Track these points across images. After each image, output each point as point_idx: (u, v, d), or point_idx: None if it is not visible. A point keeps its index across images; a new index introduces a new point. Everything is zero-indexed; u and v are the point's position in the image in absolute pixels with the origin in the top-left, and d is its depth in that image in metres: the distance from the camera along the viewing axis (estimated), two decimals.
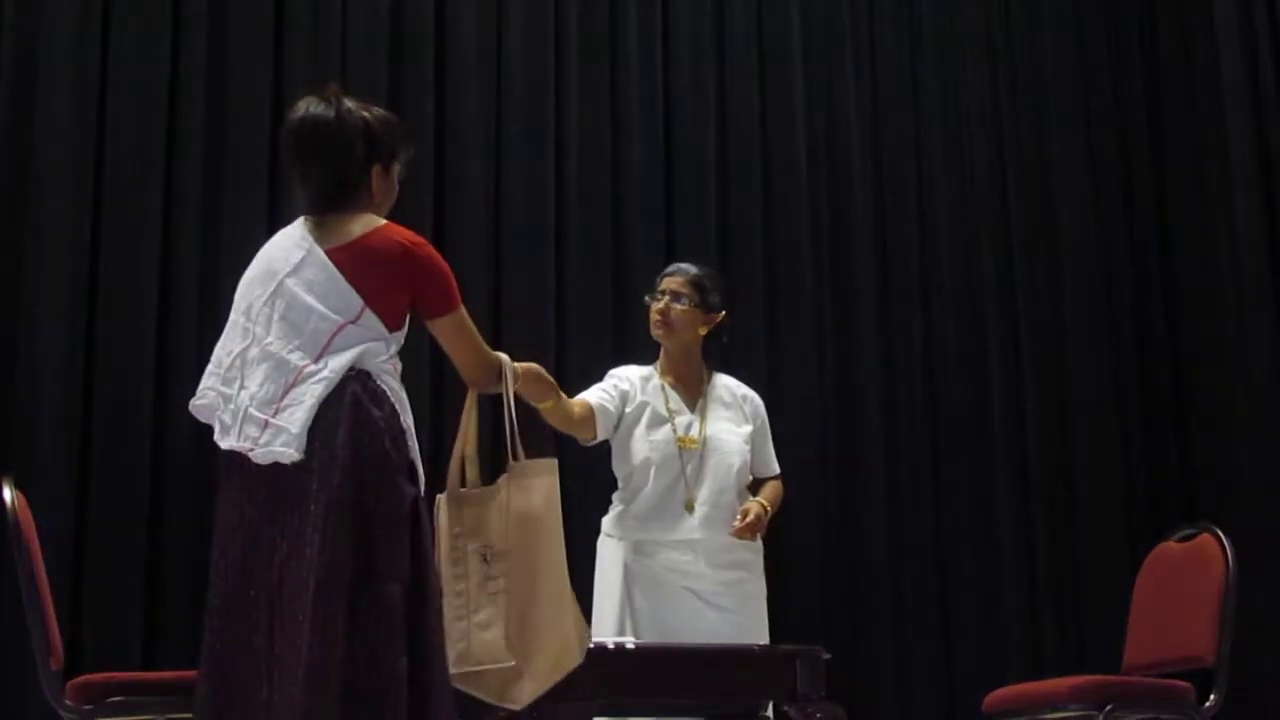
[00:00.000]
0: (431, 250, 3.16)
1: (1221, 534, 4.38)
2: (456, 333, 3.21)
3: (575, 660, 3.26)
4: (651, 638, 4.09)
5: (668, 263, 5.67)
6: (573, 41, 6.18)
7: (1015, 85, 6.88)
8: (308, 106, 3.19)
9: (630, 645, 3.83)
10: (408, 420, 3.08)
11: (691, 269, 4.43)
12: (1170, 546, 4.63)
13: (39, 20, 5.36)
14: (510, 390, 3.32)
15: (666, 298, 4.37)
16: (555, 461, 3.35)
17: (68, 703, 3.47)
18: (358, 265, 3.06)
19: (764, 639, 4.25)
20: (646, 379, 4.40)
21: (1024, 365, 6.60)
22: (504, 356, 3.34)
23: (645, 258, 5.97)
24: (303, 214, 3.19)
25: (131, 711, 3.48)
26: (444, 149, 5.88)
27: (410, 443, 3.06)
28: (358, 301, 3.04)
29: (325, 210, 3.15)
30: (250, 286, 3.14)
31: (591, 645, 3.63)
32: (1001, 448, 6.47)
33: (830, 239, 6.44)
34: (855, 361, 6.34)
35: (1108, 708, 4.04)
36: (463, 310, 3.20)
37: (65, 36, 5.36)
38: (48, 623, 3.53)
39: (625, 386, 4.35)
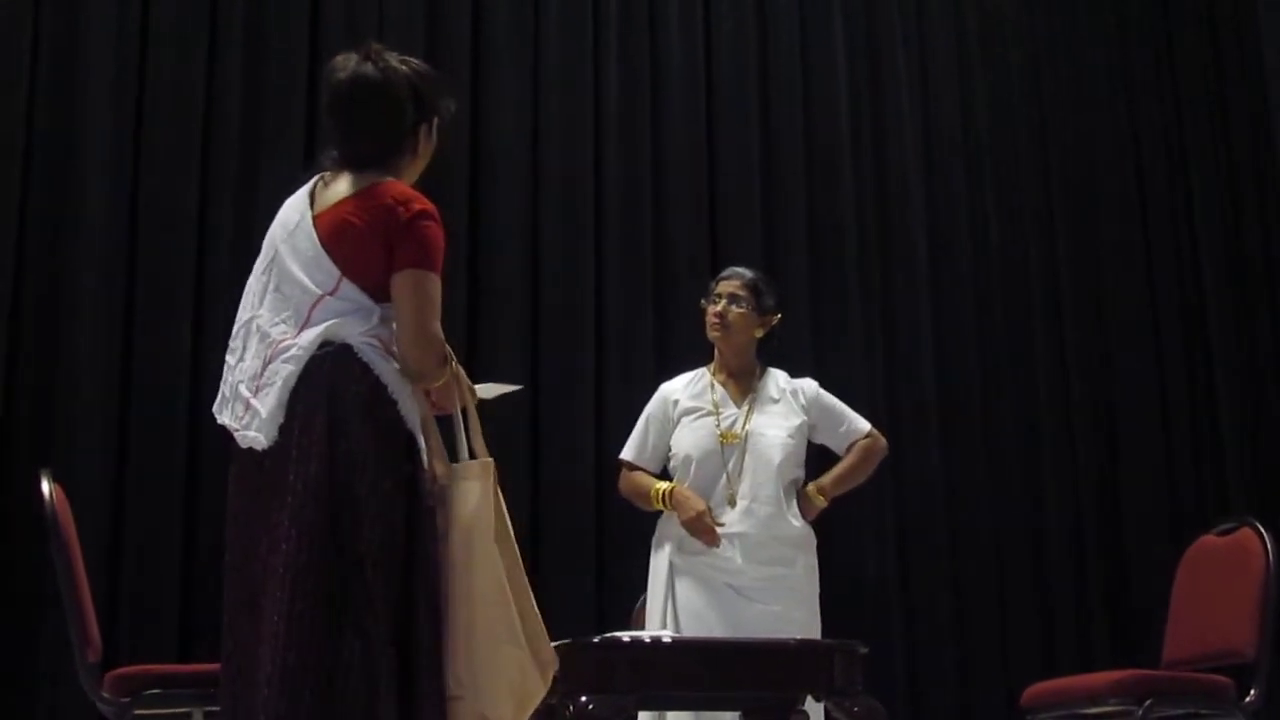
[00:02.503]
0: (429, 215, 2.87)
1: (1262, 528, 4.34)
2: (413, 290, 2.82)
3: (540, 689, 2.85)
4: (693, 633, 4.09)
5: (709, 250, 5.70)
6: (613, 23, 6.13)
7: (1056, 63, 6.87)
8: (350, 64, 2.98)
9: (667, 639, 3.81)
10: (399, 393, 2.82)
11: (747, 272, 4.46)
12: (1210, 540, 4.58)
13: None
14: (464, 385, 2.97)
15: (724, 300, 4.39)
16: (490, 463, 2.91)
17: (105, 695, 3.49)
18: (336, 228, 2.87)
19: (813, 635, 4.22)
20: (693, 381, 4.45)
21: (1069, 358, 6.57)
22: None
23: (686, 243, 5.94)
24: (324, 170, 3.00)
25: (168, 704, 3.50)
26: (479, 132, 5.84)
27: (403, 413, 2.81)
28: (335, 271, 2.84)
29: (353, 168, 2.94)
30: (262, 254, 3.00)
31: (627, 639, 3.64)
32: (1050, 442, 6.46)
33: (877, 223, 6.41)
34: (904, 351, 6.30)
35: (1147, 702, 4.01)
36: (435, 279, 2.85)
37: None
38: (85, 616, 3.55)
39: (660, 414, 4.42)
